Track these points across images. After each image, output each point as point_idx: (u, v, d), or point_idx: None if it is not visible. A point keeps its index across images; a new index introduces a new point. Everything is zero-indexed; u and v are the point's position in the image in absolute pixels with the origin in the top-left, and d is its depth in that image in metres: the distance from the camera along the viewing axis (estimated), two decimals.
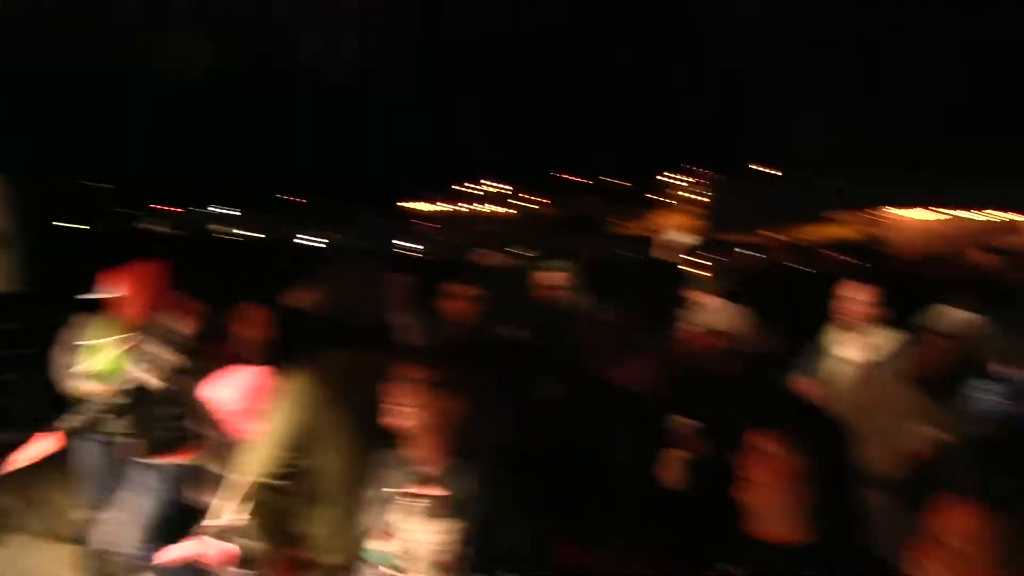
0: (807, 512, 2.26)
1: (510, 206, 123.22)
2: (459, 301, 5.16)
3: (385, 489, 2.80)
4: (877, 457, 2.57)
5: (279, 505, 3.33)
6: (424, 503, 2.70)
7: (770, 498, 2.29)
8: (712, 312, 5.12)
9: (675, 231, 7.09)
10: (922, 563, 1.80)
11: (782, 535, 2.30)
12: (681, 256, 7.62)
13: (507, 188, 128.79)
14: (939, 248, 13.19)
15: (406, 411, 2.67)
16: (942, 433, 3.47)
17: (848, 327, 4.55)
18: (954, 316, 4.02)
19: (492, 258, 9.92)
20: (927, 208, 10.27)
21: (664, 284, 6.98)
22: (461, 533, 2.60)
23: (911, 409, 3.63)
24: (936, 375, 3.71)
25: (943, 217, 11.61)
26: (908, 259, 12.36)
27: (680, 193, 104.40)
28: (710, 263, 9.39)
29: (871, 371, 4.25)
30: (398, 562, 2.69)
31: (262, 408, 3.38)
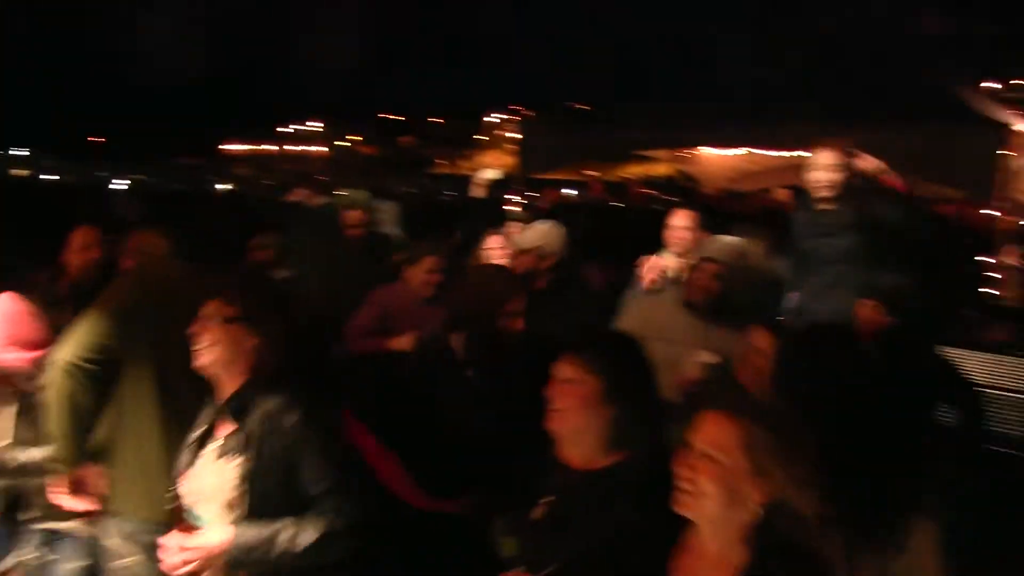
0: (611, 436, 2.31)
1: (333, 147, 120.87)
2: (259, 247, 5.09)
3: (194, 430, 2.71)
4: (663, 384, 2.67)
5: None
6: (219, 441, 2.62)
7: (573, 423, 2.33)
8: (523, 233, 5.20)
9: (489, 170, 7.12)
10: (690, 477, 1.87)
11: (587, 460, 2.35)
12: (494, 193, 7.67)
13: (330, 129, 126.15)
14: (744, 185, 13.80)
15: (204, 347, 2.58)
16: (713, 355, 3.63)
17: (676, 253, 4.80)
18: (724, 243, 4.18)
19: (299, 195, 9.64)
20: (738, 147, 10.78)
21: (478, 220, 7.00)
22: (250, 472, 2.51)
23: (685, 335, 3.72)
24: (707, 299, 3.81)
25: (753, 155, 12.25)
26: (715, 195, 12.88)
27: (499, 133, 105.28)
28: (522, 199, 9.53)
29: (648, 298, 4.40)
30: (193, 504, 2.60)
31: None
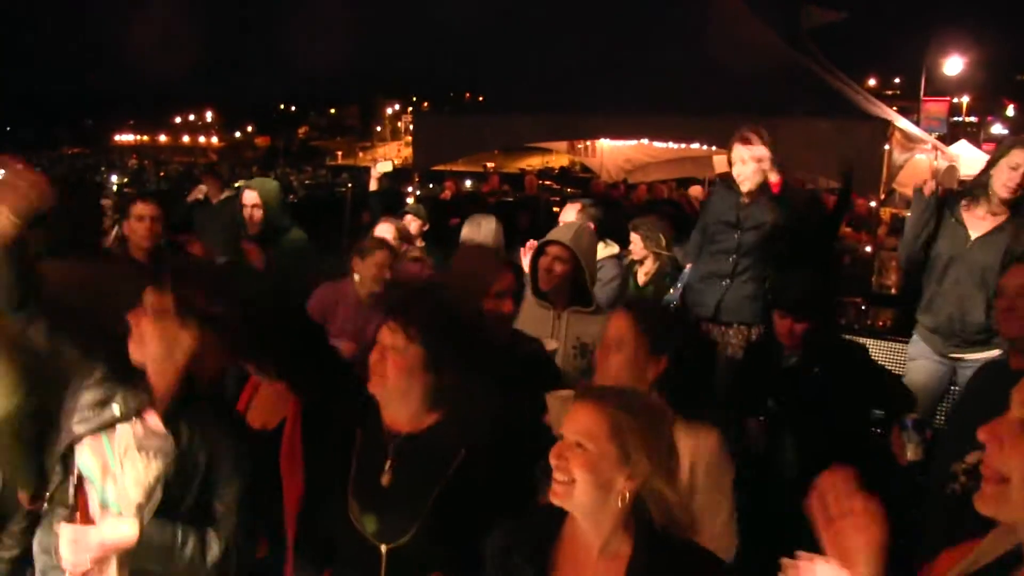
0: (432, 398, 2.43)
1: (227, 137, 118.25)
2: (144, 222, 4.71)
3: (108, 421, 2.47)
4: None
5: None
6: (140, 435, 2.42)
7: (397, 387, 2.40)
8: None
9: (382, 162, 7.01)
10: (562, 466, 1.89)
11: (410, 423, 2.45)
12: (388, 186, 7.59)
13: (223, 119, 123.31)
14: (638, 176, 14.08)
15: (135, 338, 2.42)
16: (555, 342, 3.65)
17: None
18: (568, 225, 4.15)
19: (200, 189, 9.38)
20: (635, 138, 10.94)
21: (375, 213, 6.92)
22: (167, 474, 2.39)
23: (539, 325, 3.72)
24: (553, 285, 3.78)
25: (647, 147, 12.47)
26: (611, 186, 13.05)
27: (397, 124, 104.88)
28: (417, 191, 9.46)
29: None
30: (111, 500, 2.46)
31: None
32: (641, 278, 6.09)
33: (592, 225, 4.83)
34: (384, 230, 5.27)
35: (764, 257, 4.71)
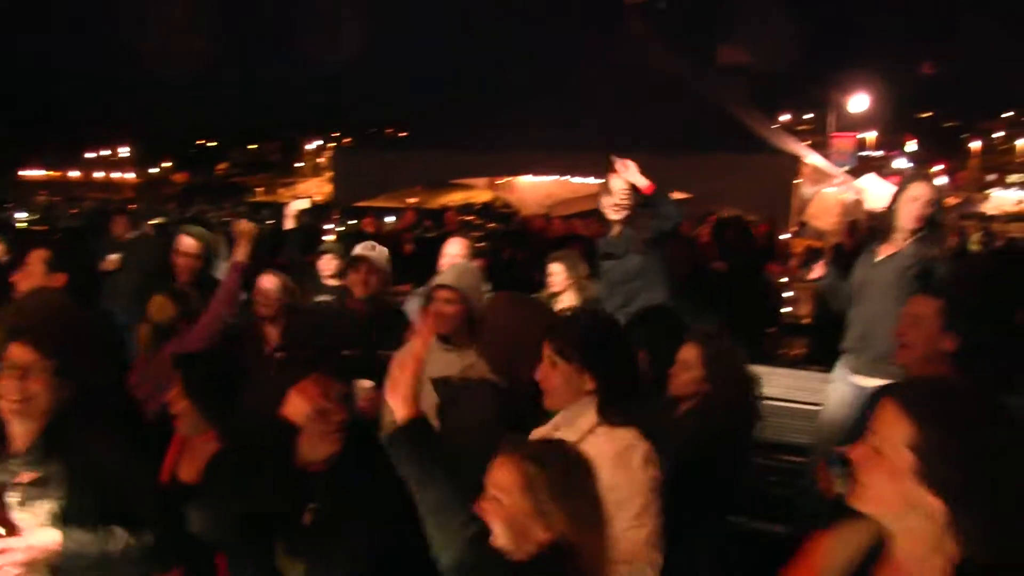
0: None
1: (144, 174, 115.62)
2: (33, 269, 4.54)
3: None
4: None
5: None
6: (22, 490, 2.46)
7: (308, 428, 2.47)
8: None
9: (299, 200, 6.94)
10: (484, 515, 1.94)
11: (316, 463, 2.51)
12: (305, 223, 7.53)
13: (140, 154, 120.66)
14: (558, 210, 14.23)
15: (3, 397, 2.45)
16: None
17: None
18: (459, 267, 4.20)
19: (118, 226, 9.13)
20: (555, 175, 11.08)
21: (292, 251, 6.86)
22: (63, 511, 2.41)
23: (435, 367, 3.72)
24: (450, 327, 3.79)
25: (565, 183, 12.70)
26: (528, 220, 13.17)
27: (318, 160, 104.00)
28: (338, 228, 9.41)
29: None
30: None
31: None
32: None
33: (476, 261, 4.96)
34: (268, 281, 5.13)
35: (654, 276, 4.92)
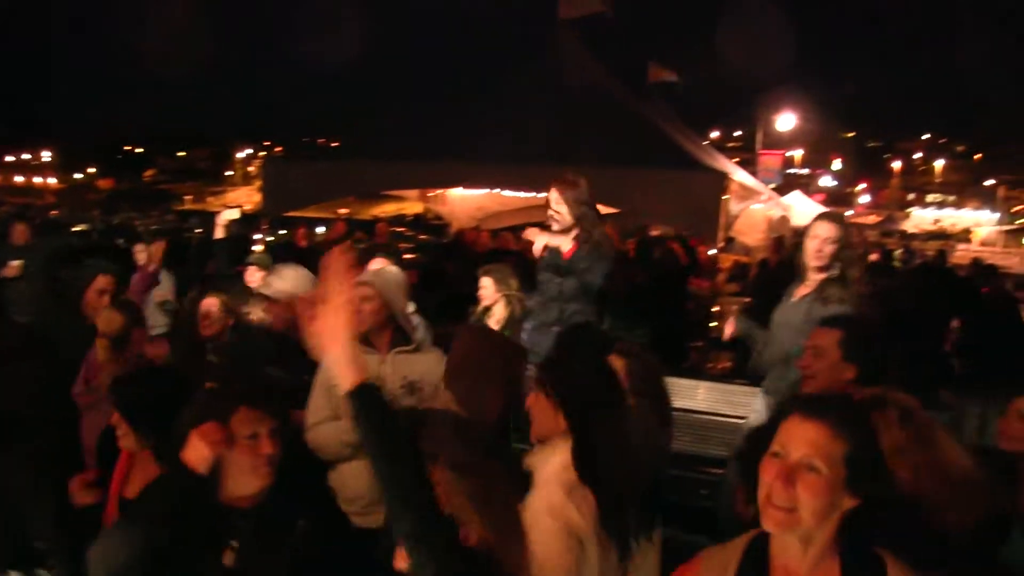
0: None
1: (67, 179, 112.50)
2: None
3: None
4: None
5: None
6: None
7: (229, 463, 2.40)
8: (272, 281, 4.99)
9: (228, 210, 6.76)
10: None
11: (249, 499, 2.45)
12: (235, 234, 7.41)
13: (63, 159, 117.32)
14: (489, 223, 14.26)
15: None
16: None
17: None
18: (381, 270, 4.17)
19: (18, 233, 8.88)
20: (486, 188, 11.10)
21: (221, 262, 6.75)
22: None
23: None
24: (368, 327, 3.81)
25: (497, 196, 12.76)
26: (462, 234, 13.17)
27: (248, 169, 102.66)
28: (267, 238, 9.28)
29: None
30: None
31: None
32: (493, 325, 5.89)
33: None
34: (210, 304, 5.05)
35: (589, 301, 4.94)
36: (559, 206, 5.09)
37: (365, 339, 3.76)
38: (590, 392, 2.63)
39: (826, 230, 4.60)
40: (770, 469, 1.87)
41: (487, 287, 6.01)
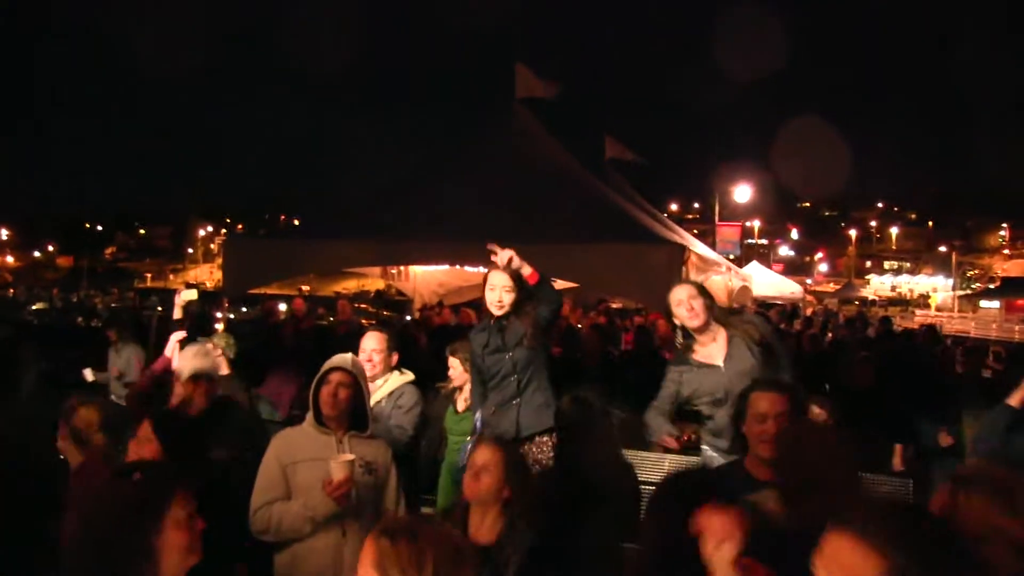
0: None
1: (25, 257, 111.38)
2: None
3: None
4: None
5: None
6: None
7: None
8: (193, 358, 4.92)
9: (187, 290, 6.69)
10: None
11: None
12: (196, 311, 7.35)
13: (22, 237, 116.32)
14: (450, 299, 14.35)
15: None
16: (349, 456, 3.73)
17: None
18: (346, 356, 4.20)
19: None
20: (446, 263, 11.22)
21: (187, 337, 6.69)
22: None
23: (324, 451, 3.82)
24: (337, 411, 3.87)
25: (457, 272, 12.89)
26: (426, 308, 13.22)
27: (212, 246, 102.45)
28: (227, 315, 9.23)
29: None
30: None
31: None
32: (460, 404, 5.94)
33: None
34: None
35: (541, 365, 4.95)
36: (507, 293, 5.00)
37: (320, 420, 3.83)
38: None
39: (683, 292, 4.81)
40: None
41: (455, 367, 5.96)
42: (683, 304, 4.77)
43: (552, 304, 4.96)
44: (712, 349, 4.79)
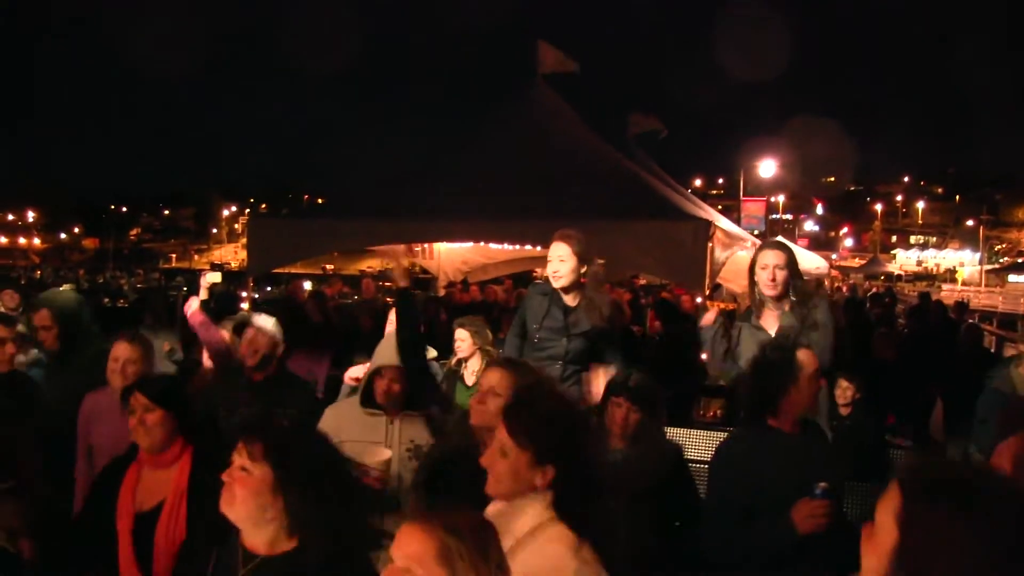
0: (288, 522, 2.36)
1: (51, 239, 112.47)
2: None
3: None
4: None
5: None
6: None
7: (247, 510, 2.34)
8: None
9: (211, 272, 6.71)
10: None
11: (268, 546, 2.38)
12: (221, 291, 7.40)
13: (47, 219, 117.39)
14: (476, 276, 14.34)
15: None
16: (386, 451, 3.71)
17: None
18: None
19: (7, 298, 8.88)
20: (471, 241, 11.24)
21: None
22: None
23: (367, 433, 3.84)
24: (390, 401, 3.88)
25: (482, 249, 12.90)
26: (449, 285, 13.24)
27: (236, 225, 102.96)
28: (252, 295, 9.26)
29: (345, 401, 4.40)
30: None
31: None
32: (469, 379, 5.94)
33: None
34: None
35: (585, 360, 4.88)
36: (563, 263, 4.83)
37: (371, 402, 3.85)
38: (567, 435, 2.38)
39: (773, 257, 4.61)
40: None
41: (464, 339, 5.99)
42: (768, 270, 4.58)
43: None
44: (770, 319, 4.68)
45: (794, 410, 3.33)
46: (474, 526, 1.93)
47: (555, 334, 4.84)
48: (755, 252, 4.80)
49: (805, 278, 4.87)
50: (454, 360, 6.10)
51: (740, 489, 3.23)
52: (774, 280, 4.56)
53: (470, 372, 5.98)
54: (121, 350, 4.22)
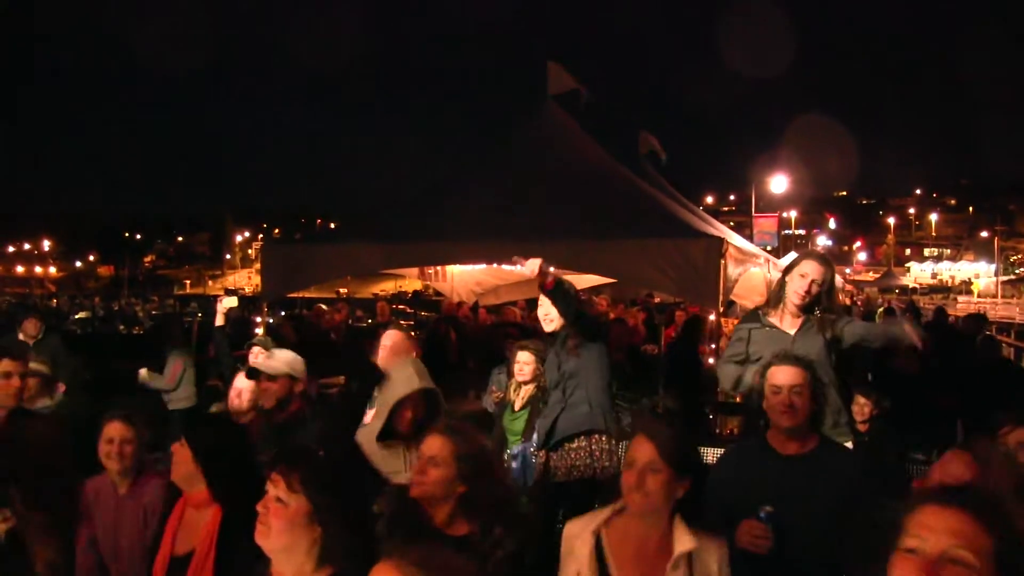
0: (319, 553, 2.36)
1: (67, 267, 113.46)
2: None
3: None
4: None
5: None
6: None
7: (281, 541, 2.35)
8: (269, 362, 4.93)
9: (227, 298, 6.68)
10: None
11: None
12: (236, 317, 7.44)
13: (63, 248, 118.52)
14: (489, 299, 14.34)
15: None
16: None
17: None
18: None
19: (30, 326, 8.94)
20: (483, 263, 11.29)
21: (222, 345, 6.76)
22: None
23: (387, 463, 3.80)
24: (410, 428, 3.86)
25: (495, 271, 12.94)
26: (458, 306, 13.26)
27: (250, 251, 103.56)
28: (264, 320, 9.29)
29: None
30: None
31: None
32: (518, 403, 5.78)
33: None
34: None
35: (591, 371, 5.02)
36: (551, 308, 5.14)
37: (389, 435, 3.79)
38: None
39: (815, 269, 4.58)
40: (909, 569, 1.70)
41: (528, 363, 5.77)
42: (806, 280, 4.55)
43: (565, 310, 5.00)
44: (787, 321, 4.66)
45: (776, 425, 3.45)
46: (448, 565, 1.92)
47: (552, 364, 5.28)
48: (798, 256, 4.82)
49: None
50: (514, 382, 5.87)
51: (716, 496, 3.35)
52: (808, 292, 4.54)
53: (520, 398, 5.80)
54: (115, 430, 4.00)
